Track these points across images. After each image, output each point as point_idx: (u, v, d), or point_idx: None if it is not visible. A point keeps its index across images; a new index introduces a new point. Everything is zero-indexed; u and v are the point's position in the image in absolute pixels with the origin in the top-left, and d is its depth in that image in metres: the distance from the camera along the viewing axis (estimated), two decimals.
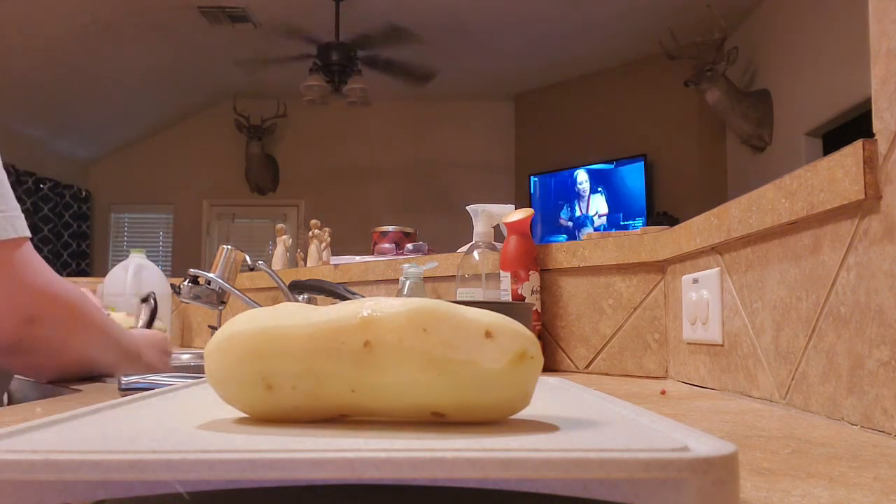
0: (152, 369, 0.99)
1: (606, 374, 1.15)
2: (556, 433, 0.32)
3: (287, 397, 0.35)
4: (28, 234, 0.81)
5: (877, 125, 0.54)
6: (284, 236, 2.15)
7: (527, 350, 0.35)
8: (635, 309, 1.14)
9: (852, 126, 3.67)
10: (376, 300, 0.36)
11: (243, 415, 0.38)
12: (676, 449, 0.27)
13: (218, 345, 0.37)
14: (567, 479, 0.26)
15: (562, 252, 1.23)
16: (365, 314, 0.35)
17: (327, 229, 2.08)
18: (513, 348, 0.35)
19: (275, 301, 1.81)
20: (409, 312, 0.35)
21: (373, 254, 2.00)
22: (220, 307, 1.43)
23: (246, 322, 0.37)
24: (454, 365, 0.34)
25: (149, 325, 1.31)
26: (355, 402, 0.35)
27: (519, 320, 0.89)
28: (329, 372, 0.34)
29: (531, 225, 1.26)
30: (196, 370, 1.11)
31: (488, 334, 0.35)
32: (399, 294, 1.40)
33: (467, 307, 0.36)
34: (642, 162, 5.60)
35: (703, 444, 0.28)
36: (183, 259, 6.53)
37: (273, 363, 0.35)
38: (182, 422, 0.36)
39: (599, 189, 5.83)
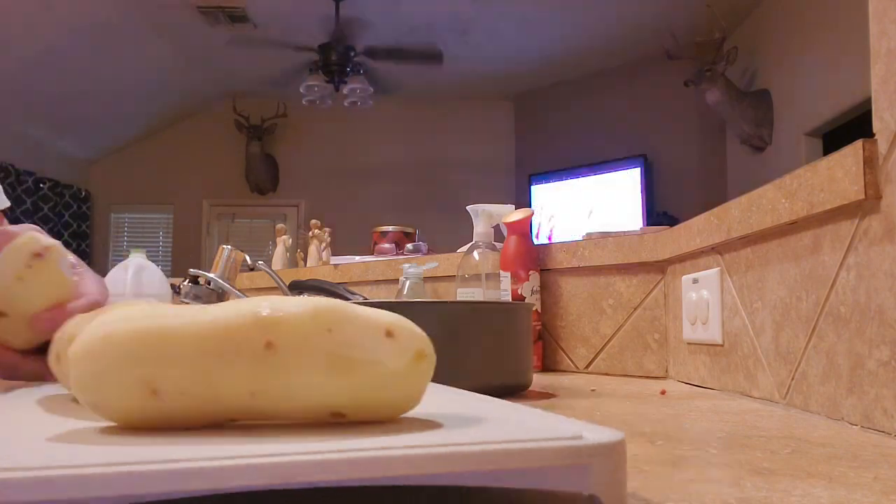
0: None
1: (606, 374, 1.15)
2: (461, 428, 0.32)
3: (174, 404, 0.32)
4: None
5: (877, 125, 0.54)
6: (284, 236, 2.15)
7: (424, 349, 0.35)
8: (635, 309, 1.14)
9: (852, 126, 3.67)
10: (271, 299, 0.34)
11: (103, 424, 0.34)
12: (575, 437, 0.29)
13: (89, 347, 0.32)
14: (485, 471, 0.27)
15: (562, 252, 1.23)
16: (265, 313, 0.33)
17: (327, 229, 2.08)
18: (412, 347, 0.35)
19: None
20: (313, 312, 0.34)
21: (373, 254, 2.00)
22: None
23: (123, 321, 0.33)
24: (359, 365, 0.33)
25: None
26: (253, 405, 0.33)
27: (519, 320, 0.89)
28: (227, 375, 0.32)
29: (530, 225, 1.26)
30: None
31: (389, 333, 0.34)
32: (399, 294, 1.40)
33: (364, 307, 0.36)
34: (642, 162, 5.60)
35: (596, 433, 0.30)
36: (183, 259, 6.53)
37: (160, 367, 0.32)
38: (32, 432, 0.32)
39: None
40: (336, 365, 0.33)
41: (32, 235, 0.49)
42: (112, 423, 0.34)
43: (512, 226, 1.23)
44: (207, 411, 0.33)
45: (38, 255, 0.49)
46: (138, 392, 0.32)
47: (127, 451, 0.27)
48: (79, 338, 0.33)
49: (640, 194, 5.61)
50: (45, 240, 0.51)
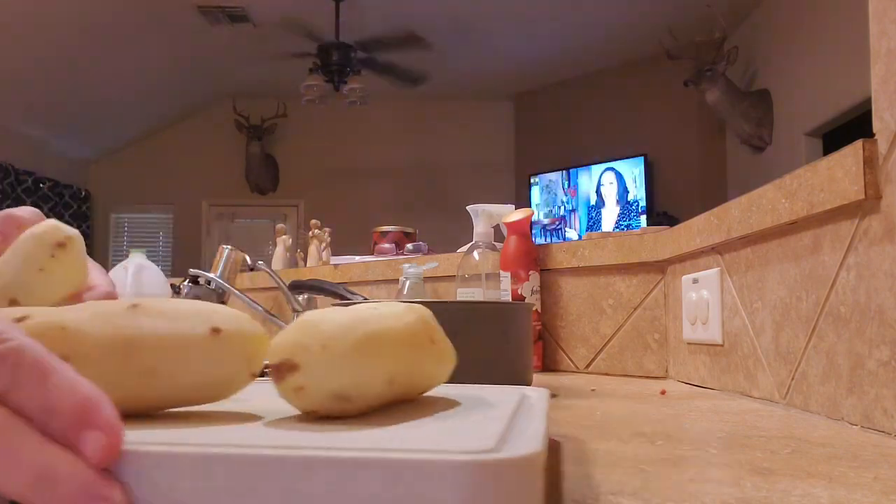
0: None
1: (606, 374, 1.15)
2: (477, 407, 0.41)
3: (397, 390, 0.37)
4: None
5: (877, 125, 0.54)
6: (284, 236, 2.15)
7: None
8: (635, 309, 1.14)
9: (852, 126, 3.67)
10: (410, 305, 0.41)
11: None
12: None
13: (358, 345, 0.36)
14: None
15: (562, 252, 1.23)
16: (426, 316, 0.41)
17: (327, 229, 2.08)
18: None
19: (275, 301, 1.81)
20: (432, 316, 0.42)
21: (373, 254, 2.00)
22: None
23: (364, 322, 0.37)
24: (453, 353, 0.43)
25: None
26: (413, 391, 0.40)
27: (519, 320, 0.88)
28: (423, 367, 0.39)
29: (530, 225, 1.26)
30: None
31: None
32: (399, 294, 1.40)
33: None
34: (642, 161, 5.60)
35: (536, 392, 0.45)
36: (183, 259, 6.53)
37: (398, 360, 0.37)
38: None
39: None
40: (453, 355, 0.43)
41: (55, 224, 0.46)
42: (298, 412, 0.36)
43: (512, 226, 1.23)
44: (401, 396, 0.39)
45: (61, 245, 0.46)
46: (385, 382, 0.36)
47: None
48: (336, 337, 0.35)
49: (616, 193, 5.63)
50: (66, 228, 0.47)
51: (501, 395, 0.44)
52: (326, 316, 0.36)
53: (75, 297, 0.49)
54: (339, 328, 0.35)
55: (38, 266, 0.45)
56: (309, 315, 0.37)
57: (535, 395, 0.45)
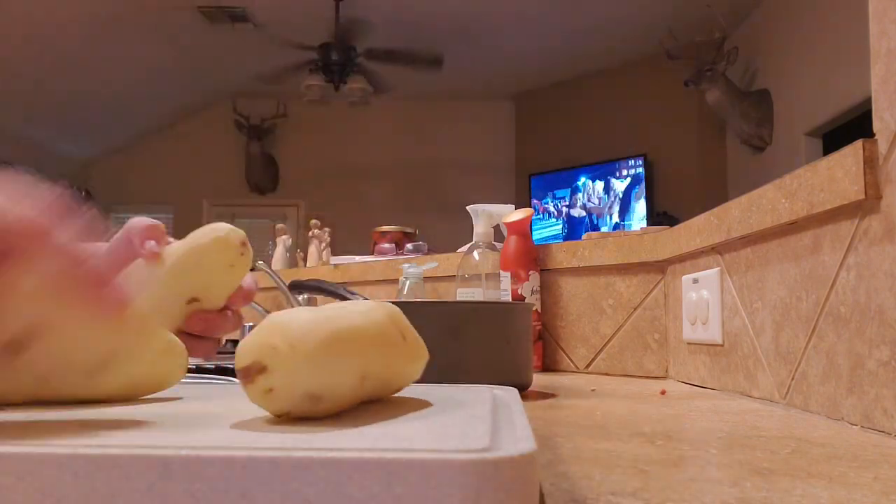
0: None
1: (606, 374, 1.15)
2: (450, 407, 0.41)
3: (369, 388, 0.38)
4: None
5: (877, 125, 0.54)
6: (284, 236, 2.15)
7: None
8: (635, 309, 1.14)
9: (852, 126, 3.67)
10: (367, 303, 0.41)
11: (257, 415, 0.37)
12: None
13: (325, 345, 0.35)
14: None
15: (562, 252, 1.23)
16: (395, 315, 0.41)
17: (327, 229, 2.08)
18: None
19: (275, 301, 1.81)
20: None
21: (373, 254, 2.00)
22: None
23: (334, 320, 0.37)
24: None
25: None
26: (388, 387, 0.41)
27: (519, 320, 0.88)
28: (391, 368, 0.40)
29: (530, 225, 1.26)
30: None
31: None
32: (399, 294, 1.40)
33: None
34: (642, 161, 5.60)
35: (504, 390, 0.46)
36: None
37: (369, 356, 0.38)
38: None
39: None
40: (425, 352, 0.44)
41: (228, 226, 0.50)
42: (269, 415, 0.36)
43: (512, 226, 1.23)
44: (375, 394, 0.40)
45: (244, 244, 0.50)
46: (356, 380, 0.36)
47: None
48: (303, 336, 0.35)
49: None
50: (234, 228, 0.51)
51: (472, 395, 0.44)
52: (293, 316, 0.36)
53: (240, 291, 0.52)
54: (305, 327, 0.35)
55: (229, 263, 0.49)
56: (275, 316, 0.36)
57: (505, 393, 0.45)
